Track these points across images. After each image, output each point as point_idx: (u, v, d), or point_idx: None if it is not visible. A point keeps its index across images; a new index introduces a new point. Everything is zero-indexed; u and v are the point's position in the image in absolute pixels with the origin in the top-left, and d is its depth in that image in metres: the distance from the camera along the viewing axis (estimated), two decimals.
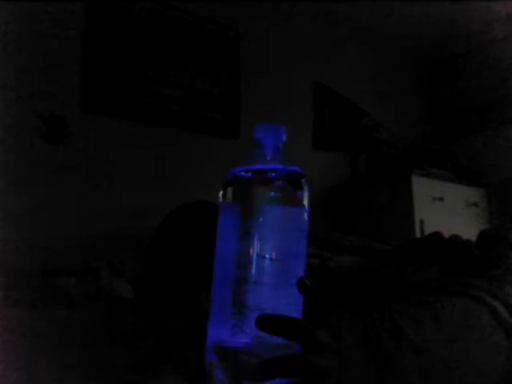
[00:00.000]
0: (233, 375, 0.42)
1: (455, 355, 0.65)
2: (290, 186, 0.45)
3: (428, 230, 2.00)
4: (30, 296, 1.11)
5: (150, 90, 1.93)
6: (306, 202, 0.46)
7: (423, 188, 2.22)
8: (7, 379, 0.78)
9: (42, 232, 1.57)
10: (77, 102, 1.76)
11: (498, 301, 0.73)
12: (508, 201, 2.47)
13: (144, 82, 1.92)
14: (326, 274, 0.88)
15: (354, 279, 0.89)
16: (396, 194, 2.25)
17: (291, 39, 2.45)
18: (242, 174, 0.46)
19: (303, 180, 0.46)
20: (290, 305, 0.44)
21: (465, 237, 0.95)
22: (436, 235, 0.95)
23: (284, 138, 0.49)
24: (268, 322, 0.41)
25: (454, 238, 0.94)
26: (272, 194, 0.45)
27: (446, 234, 0.97)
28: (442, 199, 2.25)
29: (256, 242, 0.44)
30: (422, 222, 2.11)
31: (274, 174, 0.45)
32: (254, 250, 0.43)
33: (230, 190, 0.46)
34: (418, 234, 2.08)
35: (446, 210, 2.25)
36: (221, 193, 0.47)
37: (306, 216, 0.46)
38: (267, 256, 0.44)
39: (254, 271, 0.43)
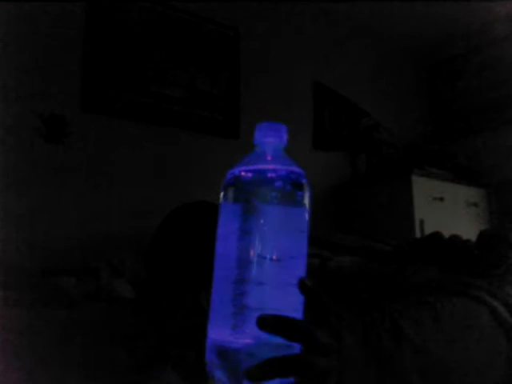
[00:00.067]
0: (233, 375, 0.42)
1: (455, 355, 0.65)
2: (290, 186, 0.45)
3: (428, 230, 2.00)
4: (30, 296, 1.11)
5: (150, 90, 1.93)
6: (306, 202, 0.46)
7: (423, 188, 2.22)
8: (7, 379, 0.78)
9: (42, 232, 1.57)
10: (77, 102, 1.76)
11: (497, 301, 0.73)
12: (508, 201, 2.47)
13: (144, 82, 1.92)
14: (326, 274, 0.88)
15: (354, 279, 0.89)
16: (396, 194, 2.25)
17: (291, 39, 2.45)
18: (242, 174, 0.46)
19: (303, 180, 0.46)
20: (291, 305, 0.44)
21: (465, 237, 0.95)
22: (436, 235, 0.95)
23: (285, 137, 0.48)
24: (268, 322, 0.41)
25: (454, 238, 0.94)
26: (272, 194, 0.45)
27: (446, 234, 0.97)
28: (442, 199, 2.25)
29: (256, 242, 0.44)
30: (421, 222, 2.11)
31: (273, 174, 0.45)
32: (254, 250, 0.43)
33: (229, 190, 0.46)
34: (418, 234, 2.08)
35: (446, 210, 2.25)
36: (221, 193, 0.47)
37: (306, 216, 0.46)
38: (267, 256, 0.43)
39: (254, 271, 0.43)
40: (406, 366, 0.60)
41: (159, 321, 0.84)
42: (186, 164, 1.97)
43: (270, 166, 0.46)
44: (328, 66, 2.57)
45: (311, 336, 0.44)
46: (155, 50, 1.98)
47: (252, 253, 0.43)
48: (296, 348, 0.43)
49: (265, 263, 0.43)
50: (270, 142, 0.48)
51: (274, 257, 0.44)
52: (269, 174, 0.45)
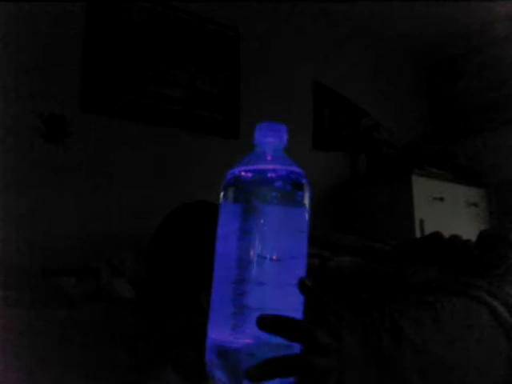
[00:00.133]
0: (233, 375, 0.42)
1: (455, 355, 0.65)
2: (290, 186, 0.45)
3: (428, 230, 2.00)
4: (30, 296, 1.11)
5: (150, 90, 1.93)
6: (306, 202, 0.46)
7: (423, 188, 2.22)
8: (7, 379, 0.78)
9: (42, 232, 1.57)
10: (77, 102, 1.76)
11: (497, 301, 0.73)
12: (508, 201, 2.47)
13: (144, 82, 1.92)
14: (326, 274, 0.88)
15: (354, 279, 0.89)
16: (396, 194, 2.25)
17: (291, 39, 2.45)
18: (242, 174, 0.46)
19: (303, 180, 0.46)
20: (291, 305, 0.44)
21: (465, 237, 0.95)
22: (436, 235, 0.95)
23: (285, 137, 0.48)
24: (269, 322, 0.41)
25: (454, 238, 0.94)
26: (272, 194, 0.45)
27: (446, 234, 0.97)
28: (442, 199, 2.25)
29: (256, 242, 0.44)
30: (421, 222, 2.11)
31: (274, 174, 0.45)
32: (255, 250, 0.43)
33: (230, 190, 0.46)
34: (418, 234, 2.08)
35: (446, 210, 2.25)
36: (221, 193, 0.47)
37: (306, 216, 0.46)
38: (267, 256, 0.43)
39: (254, 271, 0.43)
40: (406, 366, 0.61)
41: (159, 321, 0.84)
42: (185, 164, 1.97)
43: (270, 166, 0.46)
44: (328, 66, 2.57)
45: (311, 336, 0.44)
46: (155, 49, 1.98)
47: (252, 253, 0.43)
48: (296, 348, 0.43)
49: (265, 263, 0.43)
50: (270, 142, 0.48)
51: (274, 257, 0.44)
52: (269, 174, 0.45)
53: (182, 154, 1.97)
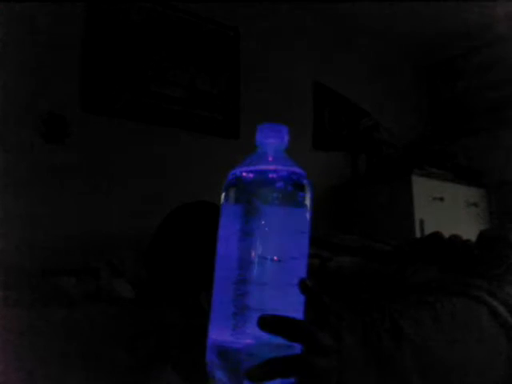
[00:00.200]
0: (233, 375, 0.42)
1: (455, 355, 0.65)
2: (292, 187, 0.45)
3: (428, 230, 2.00)
4: (30, 296, 1.11)
5: (150, 90, 1.93)
6: (307, 203, 0.46)
7: (423, 188, 2.22)
8: (7, 379, 0.78)
9: (42, 232, 1.57)
10: (77, 102, 1.76)
11: (497, 301, 0.73)
12: (508, 201, 2.47)
13: (144, 82, 1.92)
14: (326, 275, 0.88)
15: (354, 279, 0.89)
16: (396, 194, 2.25)
17: (291, 39, 2.45)
18: (243, 174, 0.46)
19: (304, 181, 0.46)
20: (291, 305, 0.44)
21: (465, 237, 0.95)
22: (436, 235, 0.95)
23: (286, 138, 0.48)
24: (269, 322, 0.41)
25: (454, 238, 0.94)
26: (273, 195, 0.45)
27: (446, 234, 0.97)
28: (442, 199, 2.25)
29: (257, 242, 0.44)
30: (421, 222, 2.11)
31: (275, 175, 0.45)
32: (256, 251, 0.43)
33: (231, 191, 0.46)
34: (418, 234, 2.08)
35: (446, 210, 2.25)
36: (222, 194, 0.47)
37: (307, 217, 0.46)
38: (268, 257, 0.44)
39: (255, 272, 0.43)
40: (406, 366, 0.61)
41: (159, 321, 0.85)
42: (185, 164, 1.97)
43: (272, 167, 0.46)
44: (328, 66, 2.57)
45: (312, 336, 0.44)
46: (155, 49, 1.98)
47: (253, 253, 0.43)
48: (297, 348, 0.43)
49: (266, 264, 0.43)
50: (272, 142, 0.48)
51: (275, 257, 0.44)
52: (270, 175, 0.45)
53: (182, 154, 1.97)
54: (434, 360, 0.63)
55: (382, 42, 2.82)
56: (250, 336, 0.42)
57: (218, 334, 0.44)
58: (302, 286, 0.44)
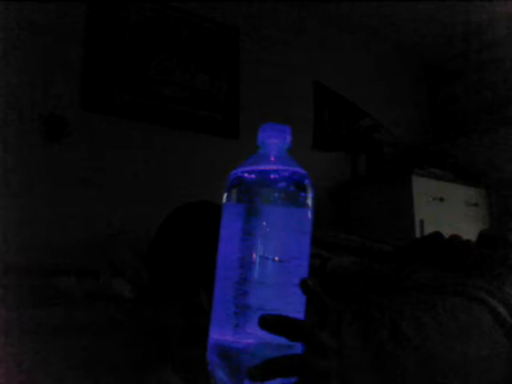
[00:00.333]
0: (234, 375, 0.42)
1: (455, 355, 0.65)
2: (294, 187, 0.45)
3: (428, 230, 2.00)
4: (30, 296, 1.11)
5: (150, 90, 1.93)
6: (309, 203, 0.46)
7: (423, 188, 2.22)
8: (7, 379, 0.78)
9: (42, 232, 1.57)
10: (77, 102, 1.76)
11: (497, 300, 0.73)
12: (508, 201, 2.47)
13: (144, 82, 1.92)
14: (326, 274, 0.88)
15: (354, 279, 0.89)
16: (396, 194, 2.25)
17: (291, 39, 2.45)
18: (246, 175, 0.46)
19: (306, 181, 0.46)
20: (292, 305, 0.44)
21: (465, 237, 0.95)
22: (436, 235, 0.95)
23: (288, 138, 0.48)
24: (270, 322, 0.41)
25: (454, 238, 0.94)
26: (275, 194, 0.45)
27: (446, 234, 0.97)
28: (442, 199, 2.25)
29: (259, 242, 0.44)
30: (422, 222, 2.11)
31: (277, 175, 0.45)
32: (257, 251, 0.43)
33: (233, 191, 0.46)
34: (418, 234, 2.08)
35: (446, 210, 2.25)
36: (224, 193, 0.47)
37: (309, 217, 0.46)
38: (270, 257, 0.43)
39: (256, 272, 0.43)
40: (407, 367, 0.61)
41: (159, 321, 0.84)
42: (185, 164, 1.97)
43: (274, 167, 0.46)
44: (328, 66, 2.57)
45: (312, 336, 0.44)
46: (155, 50, 1.98)
47: (255, 253, 0.43)
48: (297, 348, 0.43)
49: (267, 264, 0.43)
50: (274, 142, 0.48)
51: (277, 257, 0.44)
52: (272, 175, 0.45)
53: (181, 154, 1.97)
54: (435, 360, 0.63)
55: (382, 42, 2.82)
56: (251, 336, 0.42)
57: (219, 333, 0.44)
58: (303, 286, 0.44)
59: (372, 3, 2.45)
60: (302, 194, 0.46)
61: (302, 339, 0.43)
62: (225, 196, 0.47)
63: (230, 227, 0.46)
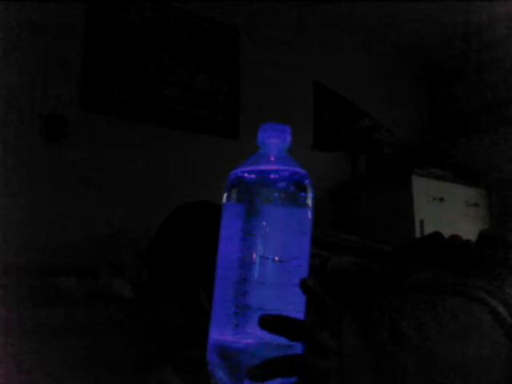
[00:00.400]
0: (234, 375, 0.42)
1: (455, 355, 0.65)
2: (294, 187, 0.45)
3: (428, 230, 2.00)
4: (30, 296, 1.11)
5: (150, 90, 1.93)
6: (309, 203, 0.46)
7: (423, 188, 2.22)
8: (7, 379, 0.78)
9: (42, 232, 1.57)
10: (77, 102, 1.76)
11: (497, 301, 0.73)
12: (508, 201, 2.47)
13: (144, 82, 1.92)
14: (326, 274, 0.88)
15: (354, 279, 0.89)
16: (396, 194, 2.25)
17: (291, 39, 2.45)
18: (246, 175, 0.46)
19: (306, 181, 0.46)
20: (292, 305, 0.44)
21: (465, 237, 0.95)
22: (436, 235, 0.95)
23: (288, 138, 0.48)
24: (270, 322, 0.41)
25: (454, 238, 0.94)
26: (275, 194, 0.45)
27: (446, 234, 0.97)
28: (442, 199, 2.25)
29: (259, 242, 0.44)
30: (422, 222, 2.11)
31: (277, 175, 0.45)
32: (257, 251, 0.43)
33: (233, 191, 0.46)
34: (418, 234, 2.08)
35: (446, 210, 2.25)
36: (224, 194, 0.47)
37: (309, 217, 0.46)
38: (270, 257, 0.43)
39: (256, 272, 0.43)
40: (407, 367, 0.61)
41: (159, 321, 0.84)
42: (185, 164, 1.97)
43: (274, 167, 0.46)
44: (328, 66, 2.57)
45: (312, 336, 0.44)
46: (155, 50, 1.98)
47: (255, 253, 0.43)
48: (297, 348, 0.43)
49: (267, 264, 0.43)
50: (274, 142, 0.48)
51: (277, 257, 0.44)
52: (272, 175, 0.45)
53: (181, 154, 1.97)
54: (435, 359, 0.63)
55: (382, 42, 2.82)
56: (251, 336, 0.42)
57: (219, 333, 0.44)
58: (303, 286, 0.44)
59: (372, 3, 2.45)
60: (302, 194, 0.46)
61: (301, 339, 0.43)
62: (225, 196, 0.47)
63: (230, 227, 0.46)
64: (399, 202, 2.22)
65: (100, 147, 1.78)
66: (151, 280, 0.88)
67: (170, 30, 2.03)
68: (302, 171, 0.46)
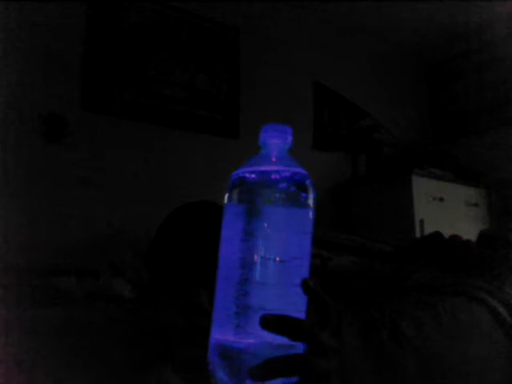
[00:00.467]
0: (235, 375, 0.42)
1: (455, 355, 0.65)
2: (295, 188, 0.45)
3: (428, 230, 2.00)
4: (30, 296, 1.11)
5: (150, 90, 1.93)
6: (310, 204, 0.46)
7: (423, 188, 2.22)
8: (7, 379, 0.78)
9: (43, 232, 1.57)
10: (77, 102, 1.76)
11: (497, 301, 0.74)
12: (508, 201, 2.47)
13: (144, 82, 1.92)
14: (326, 275, 0.88)
15: (354, 279, 0.89)
16: (396, 194, 2.25)
17: (291, 39, 2.45)
18: (247, 175, 0.46)
19: (308, 181, 0.46)
20: (293, 305, 0.44)
21: (465, 237, 0.95)
22: (436, 235, 0.95)
23: (289, 138, 0.48)
24: (271, 322, 0.41)
25: (454, 238, 0.94)
26: (276, 195, 0.45)
27: (446, 234, 0.97)
28: (442, 199, 2.25)
29: (260, 243, 0.44)
30: (422, 222, 2.11)
31: (278, 176, 0.45)
32: (259, 251, 0.43)
33: (234, 192, 0.46)
34: (418, 234, 2.08)
35: (446, 210, 2.25)
36: (226, 194, 0.47)
37: (310, 217, 0.46)
38: (271, 257, 0.44)
39: (257, 272, 0.43)
40: (407, 366, 0.61)
41: (159, 321, 0.84)
42: (186, 164, 1.97)
43: (275, 168, 0.46)
44: (328, 66, 2.57)
45: (313, 336, 0.44)
46: (155, 49, 1.98)
47: (256, 254, 0.43)
48: (298, 348, 0.44)
49: (268, 264, 0.43)
50: (275, 143, 0.48)
51: (278, 258, 0.44)
52: (273, 176, 0.45)
53: (182, 154, 1.97)
54: (435, 360, 0.63)
55: (382, 42, 2.82)
56: (252, 336, 0.42)
57: (221, 333, 0.44)
58: (304, 286, 0.44)
59: (372, 3, 2.45)
60: (303, 195, 0.46)
61: (302, 339, 0.43)
62: (226, 196, 0.47)
63: (231, 228, 0.46)
64: (399, 201, 2.22)
65: (100, 147, 1.78)
66: (151, 280, 0.88)
67: (170, 30, 2.03)
68: (303, 172, 0.46)
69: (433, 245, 0.94)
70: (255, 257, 0.43)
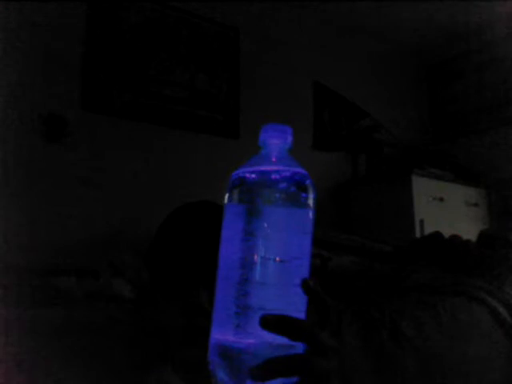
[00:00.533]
0: (235, 375, 0.42)
1: (455, 355, 0.65)
2: (295, 188, 0.45)
3: (428, 230, 2.00)
4: (30, 296, 1.11)
5: (150, 90, 1.93)
6: (310, 204, 0.46)
7: (423, 188, 2.22)
8: (7, 380, 0.78)
9: (42, 232, 1.57)
10: (77, 102, 1.76)
11: (497, 301, 0.74)
12: (508, 201, 2.47)
13: (144, 82, 1.92)
14: (326, 275, 0.88)
15: (354, 279, 0.89)
16: (396, 194, 2.25)
17: (291, 39, 2.45)
18: (247, 175, 0.46)
19: (308, 181, 0.46)
20: (293, 305, 0.44)
21: (465, 237, 0.95)
22: (436, 235, 0.95)
23: (290, 138, 0.48)
24: (271, 322, 0.41)
25: (454, 238, 0.94)
26: (276, 195, 0.45)
27: (446, 234, 0.97)
28: (442, 199, 2.25)
29: (260, 243, 0.44)
30: (422, 222, 2.11)
31: (278, 176, 0.45)
32: (259, 251, 0.43)
33: (234, 192, 0.46)
34: (418, 234, 2.08)
35: (446, 210, 2.25)
36: (226, 194, 0.47)
37: (310, 217, 0.46)
38: (271, 257, 0.44)
39: (257, 272, 0.43)
40: (407, 366, 0.61)
41: (159, 321, 0.84)
42: (186, 164, 1.97)
43: (275, 168, 0.46)
44: (328, 66, 2.57)
45: (313, 336, 0.44)
46: (155, 50, 1.98)
47: (256, 254, 0.43)
48: (298, 348, 0.44)
49: (268, 264, 0.44)
50: (275, 143, 0.48)
51: (278, 258, 0.44)
52: (273, 176, 0.45)
53: (182, 154, 1.97)
54: (435, 360, 0.63)
55: (382, 42, 2.82)
56: (252, 336, 0.42)
57: (221, 333, 0.44)
58: (304, 286, 0.44)
59: (372, 3, 2.45)
60: (303, 195, 0.46)
61: (302, 339, 0.43)
62: (226, 196, 0.47)
63: (231, 228, 0.46)
64: (399, 201, 2.22)
65: (100, 147, 1.78)
66: (151, 280, 0.88)
67: (170, 30, 2.03)
68: (303, 172, 0.46)
69: (433, 245, 0.94)
70: (255, 257, 0.43)
